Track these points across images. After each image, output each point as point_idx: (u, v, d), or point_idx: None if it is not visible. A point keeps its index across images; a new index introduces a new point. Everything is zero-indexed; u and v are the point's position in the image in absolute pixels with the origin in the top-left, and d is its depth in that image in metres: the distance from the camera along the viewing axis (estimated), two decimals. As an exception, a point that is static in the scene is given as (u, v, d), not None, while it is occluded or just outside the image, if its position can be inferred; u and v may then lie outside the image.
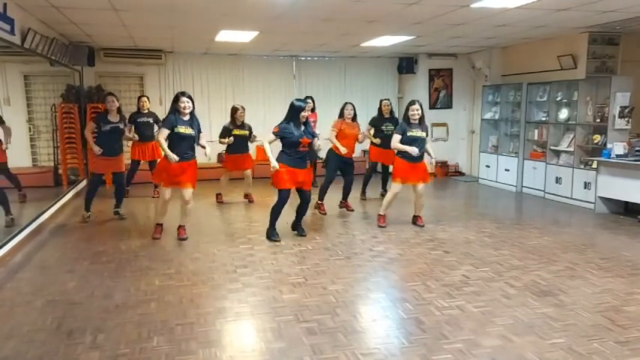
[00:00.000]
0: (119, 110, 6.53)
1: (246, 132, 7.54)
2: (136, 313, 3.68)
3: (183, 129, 5.37)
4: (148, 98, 8.10)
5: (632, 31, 7.44)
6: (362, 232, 6.05)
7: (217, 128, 10.25)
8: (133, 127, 7.60)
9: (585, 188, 7.48)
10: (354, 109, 7.01)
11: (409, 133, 6.01)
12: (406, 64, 10.94)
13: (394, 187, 6.16)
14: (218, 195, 7.97)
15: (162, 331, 3.37)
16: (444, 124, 10.89)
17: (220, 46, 9.06)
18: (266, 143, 5.52)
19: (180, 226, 5.77)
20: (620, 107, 7.09)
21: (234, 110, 7.53)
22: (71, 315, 3.64)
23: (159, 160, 5.49)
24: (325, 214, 6.94)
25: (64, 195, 7.84)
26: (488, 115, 9.73)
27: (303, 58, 10.83)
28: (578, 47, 7.84)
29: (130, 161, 7.89)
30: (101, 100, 9.35)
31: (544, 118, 8.47)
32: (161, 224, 5.83)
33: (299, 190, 5.69)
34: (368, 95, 10.95)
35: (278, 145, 5.63)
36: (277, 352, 3.09)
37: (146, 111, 7.94)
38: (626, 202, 6.99)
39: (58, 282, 4.33)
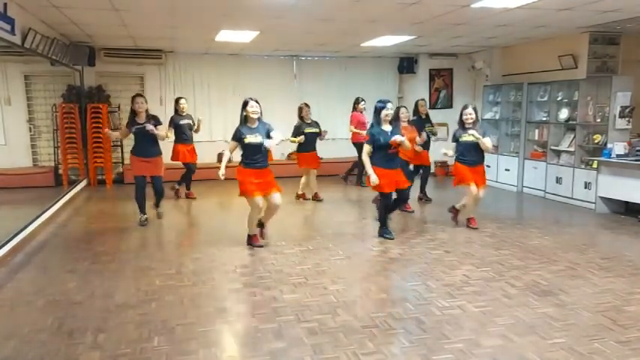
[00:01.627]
0: (147, 111, 6.30)
1: (316, 129, 7.60)
2: (136, 313, 3.68)
3: (252, 137, 5.10)
4: (185, 100, 8.12)
5: (632, 30, 7.43)
6: (362, 232, 6.04)
7: (217, 129, 10.37)
8: (172, 129, 7.68)
9: (586, 188, 7.47)
10: (407, 110, 6.97)
11: (462, 139, 5.98)
12: (407, 64, 10.94)
13: (469, 189, 5.99)
14: (302, 194, 7.92)
15: (162, 331, 3.37)
16: (444, 124, 10.87)
17: (221, 46, 9.05)
18: (365, 156, 5.51)
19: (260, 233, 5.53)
20: (621, 107, 7.09)
21: (300, 110, 7.65)
22: (72, 315, 3.64)
23: (237, 173, 5.19)
24: (413, 211, 7.05)
25: (65, 195, 7.85)
26: (488, 115, 9.72)
27: (303, 58, 10.83)
28: (579, 47, 7.83)
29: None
30: (103, 100, 9.39)
31: (545, 118, 8.46)
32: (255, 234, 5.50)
33: (398, 190, 5.65)
34: (369, 95, 10.90)
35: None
36: (278, 352, 3.09)
37: (184, 113, 7.95)
38: (627, 202, 6.97)
39: (58, 282, 4.33)
